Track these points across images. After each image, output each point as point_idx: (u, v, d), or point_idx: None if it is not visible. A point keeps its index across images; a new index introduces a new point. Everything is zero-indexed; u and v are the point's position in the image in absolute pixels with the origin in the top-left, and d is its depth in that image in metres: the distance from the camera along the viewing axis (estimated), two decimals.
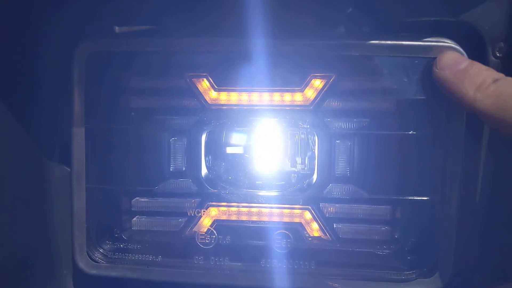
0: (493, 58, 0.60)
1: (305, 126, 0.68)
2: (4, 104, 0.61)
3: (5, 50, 0.60)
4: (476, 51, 0.60)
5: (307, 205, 0.68)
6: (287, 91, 0.66)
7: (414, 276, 0.65)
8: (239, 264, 0.67)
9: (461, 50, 0.60)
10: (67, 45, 0.64)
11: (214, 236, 0.68)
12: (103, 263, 0.69)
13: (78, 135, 0.65)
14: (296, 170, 0.70)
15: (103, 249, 0.70)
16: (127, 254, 0.69)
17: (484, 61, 0.59)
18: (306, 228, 0.69)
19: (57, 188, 0.70)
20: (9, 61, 0.61)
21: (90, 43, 0.63)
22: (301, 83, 0.66)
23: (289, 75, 0.66)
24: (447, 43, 0.61)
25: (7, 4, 0.58)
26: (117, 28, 0.64)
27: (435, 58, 0.60)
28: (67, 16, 0.64)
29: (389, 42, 0.61)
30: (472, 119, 0.60)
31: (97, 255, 0.69)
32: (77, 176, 0.66)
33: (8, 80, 0.62)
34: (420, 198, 0.65)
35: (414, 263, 0.66)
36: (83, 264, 0.68)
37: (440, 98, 0.60)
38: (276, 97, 0.67)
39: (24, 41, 0.63)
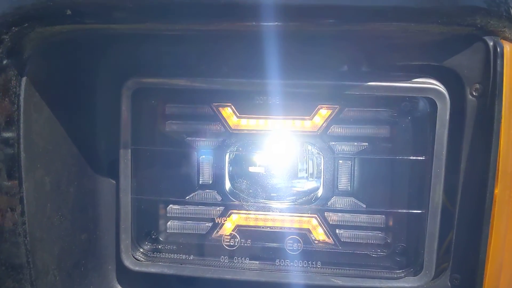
0: (470, 97, 0.72)
1: (313, 148, 0.81)
2: (66, 129, 0.75)
3: (70, 85, 0.74)
4: (456, 91, 0.72)
5: (314, 214, 0.82)
6: (298, 119, 0.79)
7: (403, 274, 0.78)
8: (257, 262, 0.81)
9: (444, 90, 0.72)
10: (117, 82, 0.77)
11: (237, 240, 0.82)
12: (144, 261, 0.82)
13: (125, 155, 0.78)
14: (305, 185, 0.83)
15: (144, 249, 0.84)
16: (164, 254, 0.83)
17: (463, 99, 0.72)
18: (313, 233, 0.82)
19: (105, 198, 0.83)
20: (75, 93, 0.75)
21: (135, 81, 0.76)
22: (310, 113, 0.79)
23: (300, 105, 0.79)
24: (433, 84, 0.73)
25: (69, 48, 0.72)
26: None
27: (422, 96, 0.73)
28: (118, 57, 0.77)
29: (383, 83, 0.73)
30: (452, 147, 0.73)
31: (139, 255, 0.83)
32: (124, 189, 0.79)
33: (71, 112, 0.75)
34: (409, 211, 0.78)
35: (403, 264, 0.79)
36: (128, 262, 0.81)
37: (425, 129, 0.74)
38: (289, 123, 0.80)
39: (82, 77, 0.77)
